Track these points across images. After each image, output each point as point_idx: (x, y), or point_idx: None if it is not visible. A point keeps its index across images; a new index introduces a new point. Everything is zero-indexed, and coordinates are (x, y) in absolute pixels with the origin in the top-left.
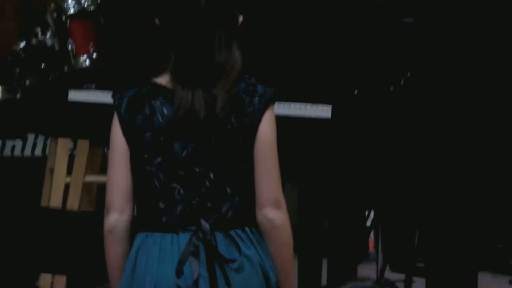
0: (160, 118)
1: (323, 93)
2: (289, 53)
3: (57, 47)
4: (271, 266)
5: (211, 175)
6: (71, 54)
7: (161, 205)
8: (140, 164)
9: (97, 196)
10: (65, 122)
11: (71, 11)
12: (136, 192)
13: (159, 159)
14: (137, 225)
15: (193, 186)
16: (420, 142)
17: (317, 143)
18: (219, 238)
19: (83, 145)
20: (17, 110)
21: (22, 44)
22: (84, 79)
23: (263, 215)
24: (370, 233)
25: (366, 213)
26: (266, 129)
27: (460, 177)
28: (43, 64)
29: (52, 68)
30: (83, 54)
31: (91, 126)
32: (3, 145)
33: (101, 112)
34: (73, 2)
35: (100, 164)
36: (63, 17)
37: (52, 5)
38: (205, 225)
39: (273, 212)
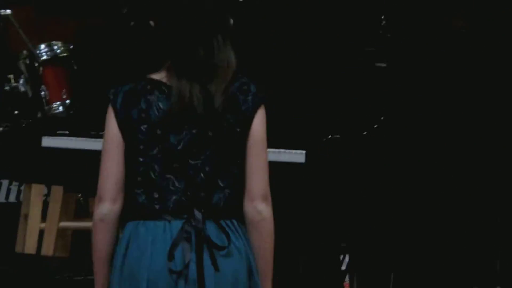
0: (156, 111)
1: (297, 139)
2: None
3: (30, 94)
4: (254, 260)
5: (206, 168)
6: (44, 100)
7: (155, 195)
8: (135, 155)
9: (72, 241)
10: (39, 168)
11: (44, 57)
12: (128, 182)
13: (154, 151)
14: (126, 214)
15: (187, 178)
16: (394, 187)
17: (291, 187)
18: (210, 226)
19: (57, 191)
20: None
21: None
22: (57, 126)
23: (253, 207)
24: (345, 277)
25: (341, 257)
26: (259, 126)
27: (433, 224)
28: (16, 111)
29: (26, 114)
30: (56, 100)
31: (65, 172)
32: None
33: (75, 158)
34: (46, 48)
35: (74, 210)
36: (36, 64)
37: (25, 52)
38: (198, 214)
39: (262, 204)
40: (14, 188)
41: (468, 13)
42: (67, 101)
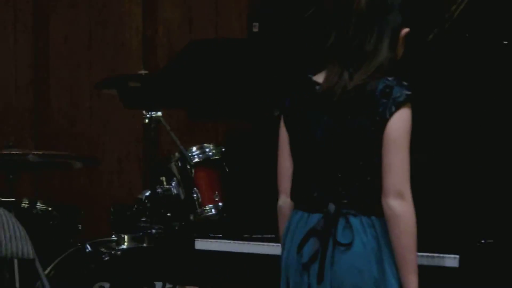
0: (309, 108)
1: (450, 243)
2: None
3: (182, 196)
4: (390, 257)
5: (345, 164)
6: (196, 203)
7: (304, 187)
8: (292, 149)
9: None
10: (193, 271)
11: (196, 160)
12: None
13: (303, 147)
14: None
15: (329, 172)
16: None
17: None
18: (341, 222)
19: None
20: (144, 258)
21: (148, 193)
22: (210, 228)
23: (386, 203)
24: None
25: None
26: (394, 128)
27: None
28: (169, 213)
29: (178, 217)
30: (209, 203)
31: (218, 275)
32: None
33: (228, 262)
34: (198, 151)
35: None
36: (188, 166)
37: (177, 154)
38: (331, 209)
39: (394, 201)
40: None
41: None
42: (220, 204)
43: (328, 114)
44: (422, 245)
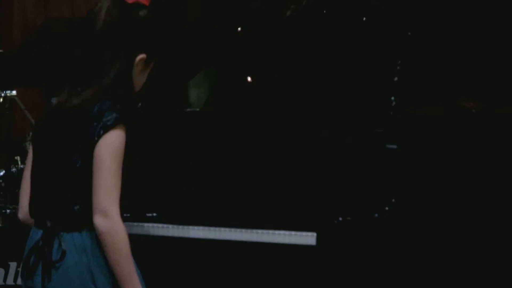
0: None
1: (307, 221)
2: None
3: None
4: (99, 266)
5: (62, 181)
6: None
7: (33, 203)
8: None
9: None
10: None
11: None
12: None
13: (36, 162)
14: None
15: (49, 189)
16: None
17: (301, 270)
18: (56, 239)
19: None
20: None
21: (2, 173)
22: None
23: (94, 221)
24: None
25: None
26: (101, 150)
27: None
28: None
29: None
30: None
31: None
32: None
33: None
34: None
35: None
36: None
37: (31, 133)
38: (48, 226)
39: (99, 219)
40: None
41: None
42: None
43: (52, 131)
44: (280, 223)
